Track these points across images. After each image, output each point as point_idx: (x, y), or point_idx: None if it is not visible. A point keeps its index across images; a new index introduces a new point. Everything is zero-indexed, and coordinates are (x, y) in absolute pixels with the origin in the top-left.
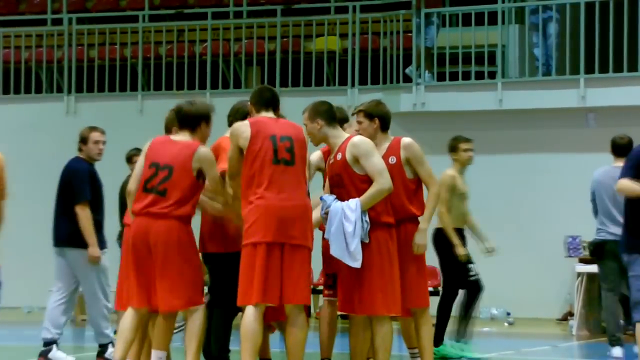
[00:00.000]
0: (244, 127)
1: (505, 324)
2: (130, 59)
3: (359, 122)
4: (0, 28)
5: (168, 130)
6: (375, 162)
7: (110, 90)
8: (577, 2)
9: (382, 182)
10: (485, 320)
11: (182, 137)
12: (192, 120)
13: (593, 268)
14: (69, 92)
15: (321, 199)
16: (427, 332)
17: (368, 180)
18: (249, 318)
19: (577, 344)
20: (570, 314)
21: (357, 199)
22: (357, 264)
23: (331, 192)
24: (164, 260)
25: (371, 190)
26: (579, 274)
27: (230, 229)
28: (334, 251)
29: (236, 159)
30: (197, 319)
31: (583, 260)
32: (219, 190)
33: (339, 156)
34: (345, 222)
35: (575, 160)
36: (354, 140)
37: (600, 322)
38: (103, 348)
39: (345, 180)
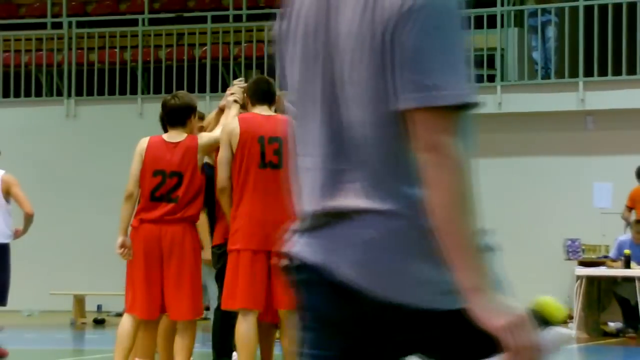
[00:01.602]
0: (233, 125)
1: None
2: (130, 63)
3: None
4: (1, 32)
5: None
6: None
7: (110, 93)
8: (576, 6)
9: None
10: None
11: (176, 136)
12: (181, 115)
13: (592, 271)
14: (69, 95)
15: None
16: None
17: None
18: (241, 324)
19: (576, 346)
20: (570, 316)
21: None
22: None
23: None
24: (179, 266)
25: None
26: (578, 277)
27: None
28: None
29: (226, 164)
30: (190, 330)
31: (582, 263)
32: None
33: None
34: None
35: (574, 162)
36: None
37: (600, 325)
38: None
39: None
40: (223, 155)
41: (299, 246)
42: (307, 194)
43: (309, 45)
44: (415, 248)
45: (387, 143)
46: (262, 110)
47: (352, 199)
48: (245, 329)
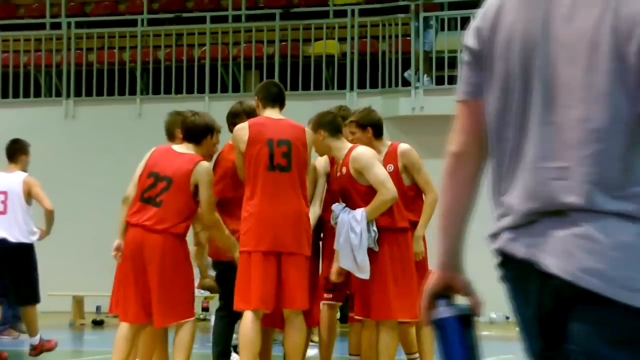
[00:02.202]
0: (243, 131)
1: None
2: (129, 63)
3: (352, 133)
4: None
5: (170, 135)
6: (377, 172)
7: (109, 94)
8: None
9: (385, 192)
10: (484, 324)
11: (185, 149)
12: (198, 134)
13: None
14: (68, 96)
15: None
16: (428, 336)
17: (374, 192)
18: (247, 324)
19: None
20: None
21: (362, 209)
22: (365, 275)
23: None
24: (160, 275)
25: (375, 202)
26: None
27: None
28: (343, 263)
29: (242, 165)
30: (187, 331)
31: None
32: (205, 211)
33: (344, 170)
34: (351, 234)
35: None
36: (354, 155)
37: None
38: None
39: (353, 193)
40: (239, 161)
41: (509, 242)
42: (519, 191)
43: (525, 54)
44: (630, 249)
45: (616, 143)
46: (272, 114)
47: (568, 197)
48: (249, 329)
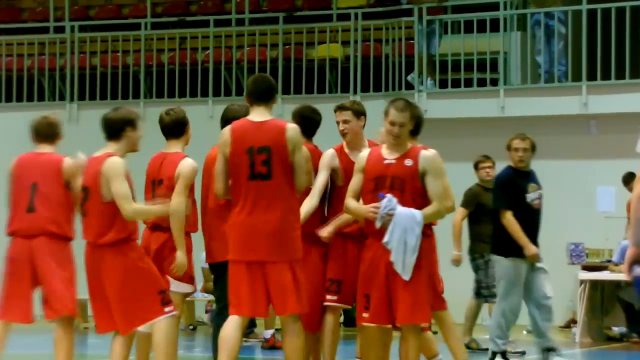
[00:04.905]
0: (225, 136)
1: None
2: (132, 67)
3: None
4: (3, 36)
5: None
6: (446, 183)
7: (112, 97)
8: (579, 9)
9: (447, 203)
10: (488, 327)
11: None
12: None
13: (596, 275)
14: (72, 99)
15: (380, 195)
16: (452, 331)
17: (425, 196)
18: (229, 325)
19: (580, 351)
20: (573, 321)
21: (420, 212)
22: (406, 276)
23: (376, 193)
24: (113, 286)
25: (433, 209)
26: (582, 281)
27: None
28: (393, 257)
29: (222, 174)
30: (159, 332)
31: (586, 268)
32: (121, 207)
33: (408, 162)
34: (409, 235)
35: (577, 167)
36: (429, 155)
37: (603, 330)
38: (492, 356)
39: (408, 188)
40: (219, 167)
41: None
42: None
43: None
44: None
45: None
46: (257, 114)
47: None
48: (231, 330)
